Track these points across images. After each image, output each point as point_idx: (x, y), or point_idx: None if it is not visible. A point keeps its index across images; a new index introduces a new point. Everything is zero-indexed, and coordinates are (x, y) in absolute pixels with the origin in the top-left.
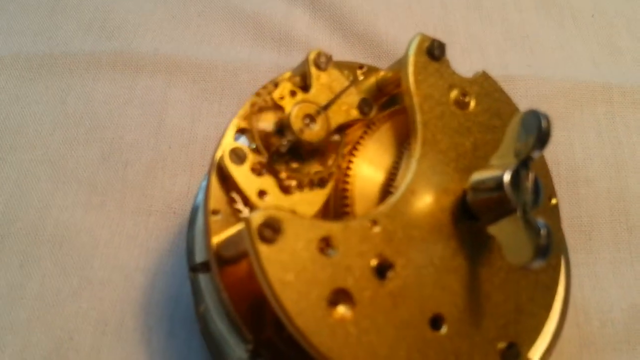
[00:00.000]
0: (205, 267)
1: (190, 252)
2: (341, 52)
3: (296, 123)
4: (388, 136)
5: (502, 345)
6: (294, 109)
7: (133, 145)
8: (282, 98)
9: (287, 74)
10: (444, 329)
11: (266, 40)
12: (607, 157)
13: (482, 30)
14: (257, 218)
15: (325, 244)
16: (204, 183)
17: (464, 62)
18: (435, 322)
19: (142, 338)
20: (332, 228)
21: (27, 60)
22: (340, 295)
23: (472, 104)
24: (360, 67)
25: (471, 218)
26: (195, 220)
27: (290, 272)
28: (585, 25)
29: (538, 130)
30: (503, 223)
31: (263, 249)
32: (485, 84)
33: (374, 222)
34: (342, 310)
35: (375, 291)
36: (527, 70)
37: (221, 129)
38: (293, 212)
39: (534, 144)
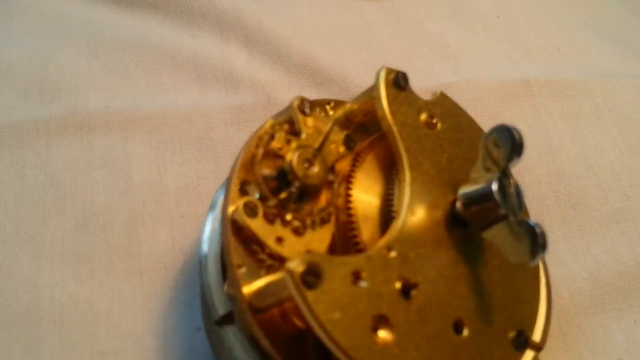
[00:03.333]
0: (229, 318)
1: (207, 307)
2: (286, 84)
3: (300, 170)
4: (374, 165)
5: (512, 334)
6: (294, 156)
7: (106, 207)
8: (280, 148)
9: (269, 122)
10: (465, 332)
11: (210, 81)
12: (540, 145)
13: (407, 45)
14: (297, 267)
15: (356, 278)
16: (204, 235)
17: None
18: (457, 327)
19: None
20: (358, 261)
21: None
22: (378, 321)
23: (439, 124)
24: (328, 103)
25: (461, 226)
26: (204, 274)
27: (336, 310)
28: (493, 27)
29: (512, 142)
30: (496, 228)
31: (309, 295)
32: (444, 104)
33: (389, 249)
34: (383, 334)
35: (405, 311)
36: (455, 76)
37: (189, 177)
38: (325, 254)
39: (510, 155)
